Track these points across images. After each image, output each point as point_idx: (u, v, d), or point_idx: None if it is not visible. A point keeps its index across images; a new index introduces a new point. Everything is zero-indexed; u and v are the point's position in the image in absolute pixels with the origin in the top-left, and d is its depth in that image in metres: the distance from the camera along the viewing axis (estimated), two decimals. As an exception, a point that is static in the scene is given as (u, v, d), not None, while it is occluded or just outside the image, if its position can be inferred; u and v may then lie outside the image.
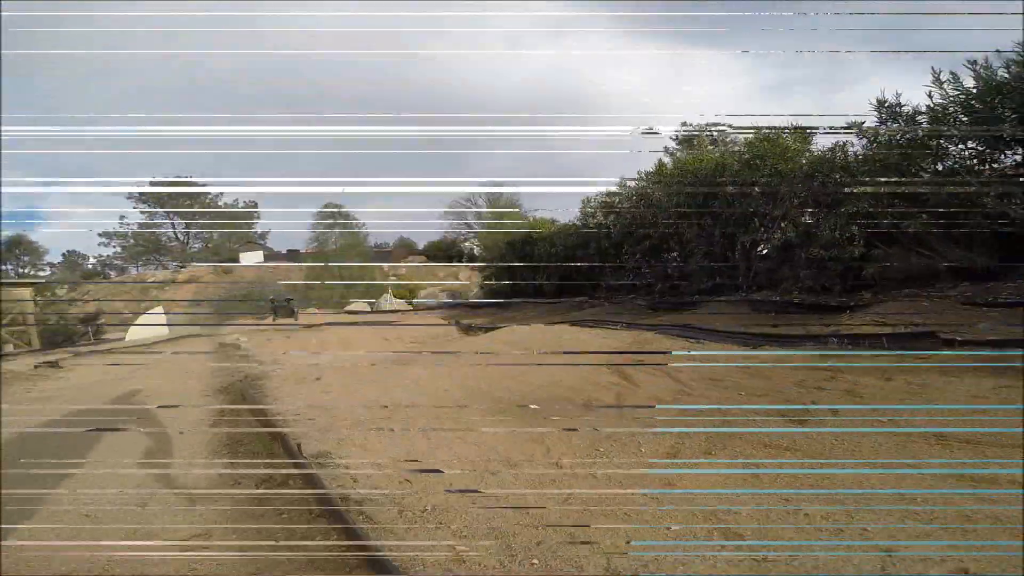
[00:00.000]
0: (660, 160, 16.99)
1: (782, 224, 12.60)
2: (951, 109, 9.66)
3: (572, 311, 15.62)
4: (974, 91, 9.37)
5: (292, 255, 39.75)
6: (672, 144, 23.34)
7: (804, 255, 11.79)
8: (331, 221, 30.38)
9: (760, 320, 11.00)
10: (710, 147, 17.35)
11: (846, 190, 11.31)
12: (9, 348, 25.19)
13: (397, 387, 7.43)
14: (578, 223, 18.29)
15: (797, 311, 11.30)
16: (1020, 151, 9.38)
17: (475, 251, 33.92)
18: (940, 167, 10.58)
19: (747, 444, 5.00)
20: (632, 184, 16.35)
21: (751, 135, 13.22)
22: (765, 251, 13.02)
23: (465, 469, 4.61)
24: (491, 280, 23.14)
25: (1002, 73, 9.04)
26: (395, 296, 27.42)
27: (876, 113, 10.99)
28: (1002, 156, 9.59)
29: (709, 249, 13.49)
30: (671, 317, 12.22)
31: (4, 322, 26.87)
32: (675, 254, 14.58)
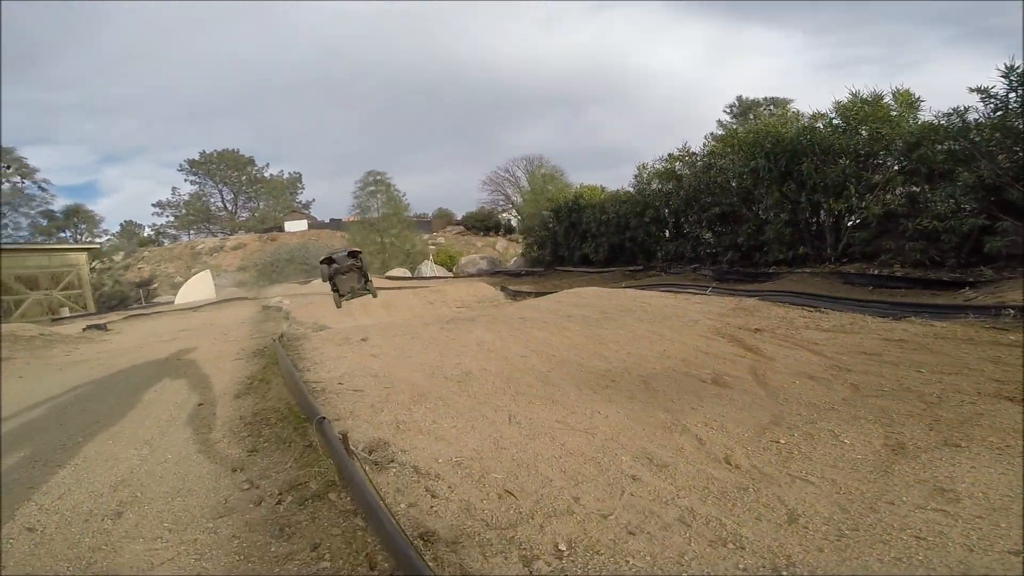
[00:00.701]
0: (730, 126, 14.80)
1: (881, 192, 10.48)
2: None
3: (626, 280, 13.75)
4: None
5: (335, 224, 38.49)
6: (726, 117, 20.90)
7: (912, 226, 9.70)
8: (372, 189, 28.81)
9: (855, 292, 9.10)
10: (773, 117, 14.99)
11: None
12: (65, 311, 24.67)
13: (461, 352, 5.76)
14: (632, 189, 16.24)
15: (902, 285, 9.30)
16: None
17: (512, 222, 31.92)
18: None
19: (998, 432, 3.22)
20: (697, 150, 14.21)
21: (844, 99, 11.16)
22: (858, 220, 10.91)
23: (588, 472, 2.93)
24: (533, 248, 21.27)
25: None
26: (435, 263, 25.78)
27: (1004, 80, 8.85)
28: None
29: (792, 217, 11.41)
30: (746, 288, 10.27)
31: (60, 286, 26.41)
32: (747, 225, 12.48)
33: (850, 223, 11.30)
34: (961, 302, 6.64)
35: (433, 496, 2.57)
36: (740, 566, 1.99)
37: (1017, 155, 8.78)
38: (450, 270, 24.55)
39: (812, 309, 6.71)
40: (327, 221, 41.65)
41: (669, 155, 14.94)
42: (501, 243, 30.90)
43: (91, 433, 4.22)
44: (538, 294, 11.97)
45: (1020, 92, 8.73)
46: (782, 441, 3.34)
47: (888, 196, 10.38)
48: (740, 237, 12.43)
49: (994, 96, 8.96)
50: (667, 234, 14.70)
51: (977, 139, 9.30)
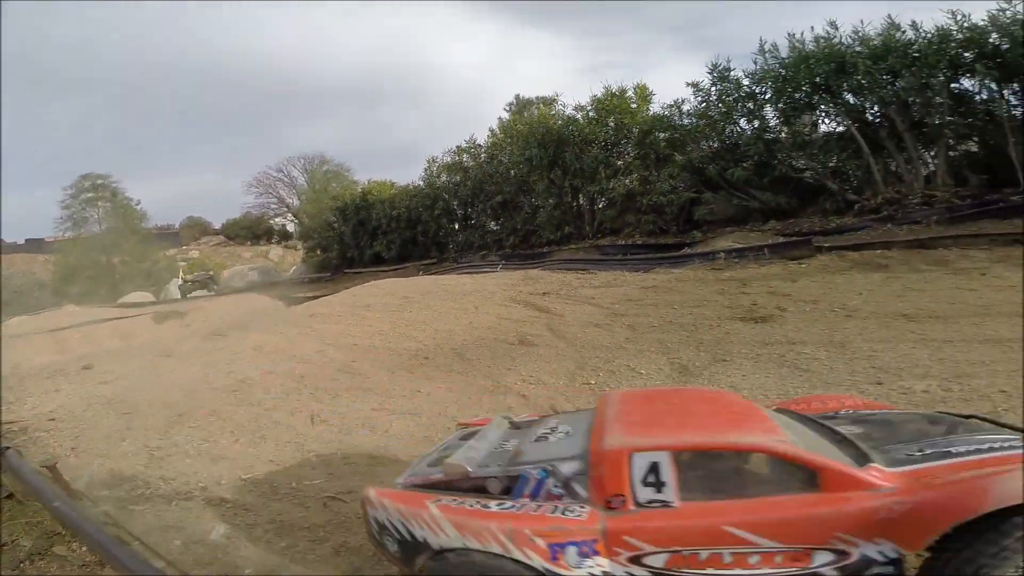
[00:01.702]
0: (510, 118, 15.58)
1: (623, 175, 12.26)
2: (770, 74, 10.10)
3: (422, 272, 13.59)
4: (787, 59, 9.88)
5: (34, 245, 28.51)
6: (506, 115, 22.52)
7: (645, 202, 11.68)
8: (91, 196, 22.13)
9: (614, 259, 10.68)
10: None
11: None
12: None
13: (233, 360, 4.79)
14: (422, 183, 16.02)
15: (642, 251, 11.21)
16: (815, 113, 10.21)
17: (288, 227, 28.58)
18: (756, 124, 11.09)
19: (747, 345, 3.98)
20: (482, 142, 14.68)
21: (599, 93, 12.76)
22: (607, 201, 12.71)
23: (424, 452, 2.62)
24: (316, 252, 19.39)
25: (811, 47, 9.66)
26: (188, 280, 21.00)
27: (709, 76, 11.08)
28: (800, 116, 10.40)
29: (559, 201, 12.72)
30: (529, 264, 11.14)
31: None
32: (523, 210, 13.51)
33: (601, 203, 13.00)
34: (687, 253, 8.29)
35: (233, 525, 1.95)
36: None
37: (715, 139, 11.18)
38: (211, 289, 20.45)
39: (584, 272, 7.58)
40: (21, 243, 31.01)
41: (457, 147, 15.12)
42: (276, 251, 27.36)
43: None
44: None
45: (719, 86, 11.03)
46: (592, 382, 3.58)
47: (628, 178, 12.12)
48: (519, 222, 13.37)
49: (701, 90, 11.21)
50: (457, 225, 14.95)
51: (689, 127, 11.51)
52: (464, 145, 14.68)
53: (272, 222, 29.10)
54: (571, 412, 2.18)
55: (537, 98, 22.32)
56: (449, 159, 15.12)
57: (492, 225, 14.28)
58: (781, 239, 7.73)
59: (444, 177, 15.25)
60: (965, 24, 8.85)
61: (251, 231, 29.26)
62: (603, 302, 5.92)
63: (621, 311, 5.49)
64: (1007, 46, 8.47)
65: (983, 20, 8.78)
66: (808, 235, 8.91)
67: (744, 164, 10.54)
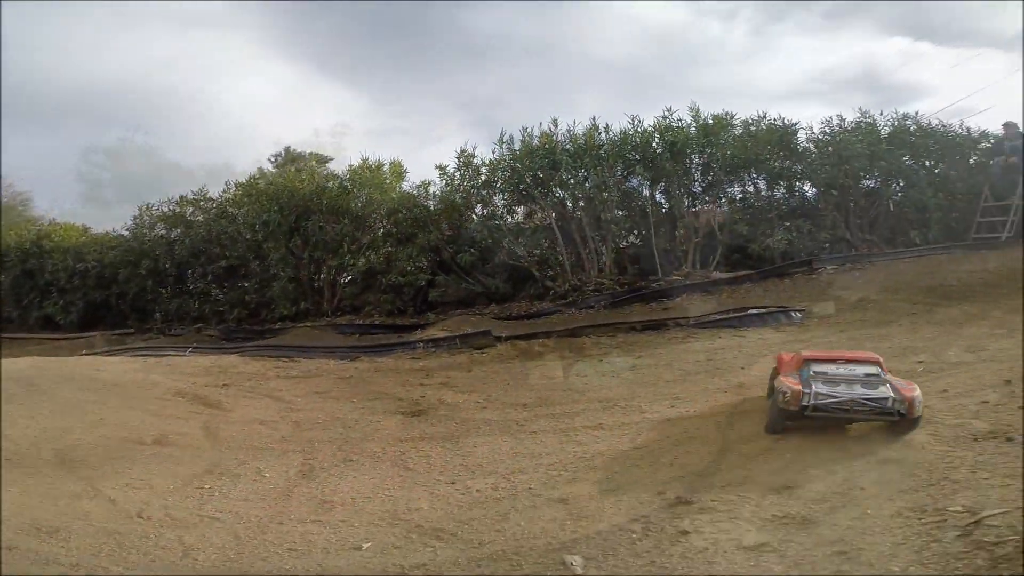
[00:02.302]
0: (255, 173, 14.62)
1: (368, 251, 12.50)
2: (503, 163, 11.94)
3: (112, 345, 11.50)
4: (516, 150, 11.85)
5: None
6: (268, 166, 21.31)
7: (385, 281, 12.27)
8: None
9: (348, 340, 10.76)
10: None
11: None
12: None
13: None
14: (127, 234, 13.75)
15: (380, 331, 11.66)
16: (531, 205, 12.32)
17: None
18: (484, 211, 12.72)
19: (381, 443, 4.56)
20: (214, 196, 13.34)
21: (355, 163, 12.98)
22: (349, 277, 12.96)
23: None
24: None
25: (535, 142, 11.75)
26: None
27: (456, 160, 12.43)
28: (521, 206, 12.47)
29: (296, 274, 12.46)
30: (250, 345, 10.56)
31: None
32: (254, 280, 12.80)
33: (344, 279, 13.16)
34: (395, 341, 9.04)
35: None
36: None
37: (454, 222, 12.39)
38: None
39: (288, 359, 7.63)
40: None
41: (181, 198, 13.54)
42: None
43: None
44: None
45: (462, 172, 12.35)
46: (207, 486, 3.67)
47: (372, 255, 12.44)
48: (248, 293, 12.60)
49: (446, 173, 12.38)
50: (168, 290, 13.23)
51: (433, 209, 12.55)
52: (190, 196, 13.34)
53: None
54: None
55: (310, 154, 21.31)
56: (168, 209, 13.46)
57: (216, 293, 13.13)
58: (470, 330, 8.97)
59: (160, 229, 13.50)
60: (639, 128, 11.47)
61: None
62: (287, 395, 6.06)
63: (299, 406, 5.70)
64: (660, 150, 11.20)
65: (651, 125, 11.44)
66: (509, 318, 10.58)
67: (471, 249, 12.08)
